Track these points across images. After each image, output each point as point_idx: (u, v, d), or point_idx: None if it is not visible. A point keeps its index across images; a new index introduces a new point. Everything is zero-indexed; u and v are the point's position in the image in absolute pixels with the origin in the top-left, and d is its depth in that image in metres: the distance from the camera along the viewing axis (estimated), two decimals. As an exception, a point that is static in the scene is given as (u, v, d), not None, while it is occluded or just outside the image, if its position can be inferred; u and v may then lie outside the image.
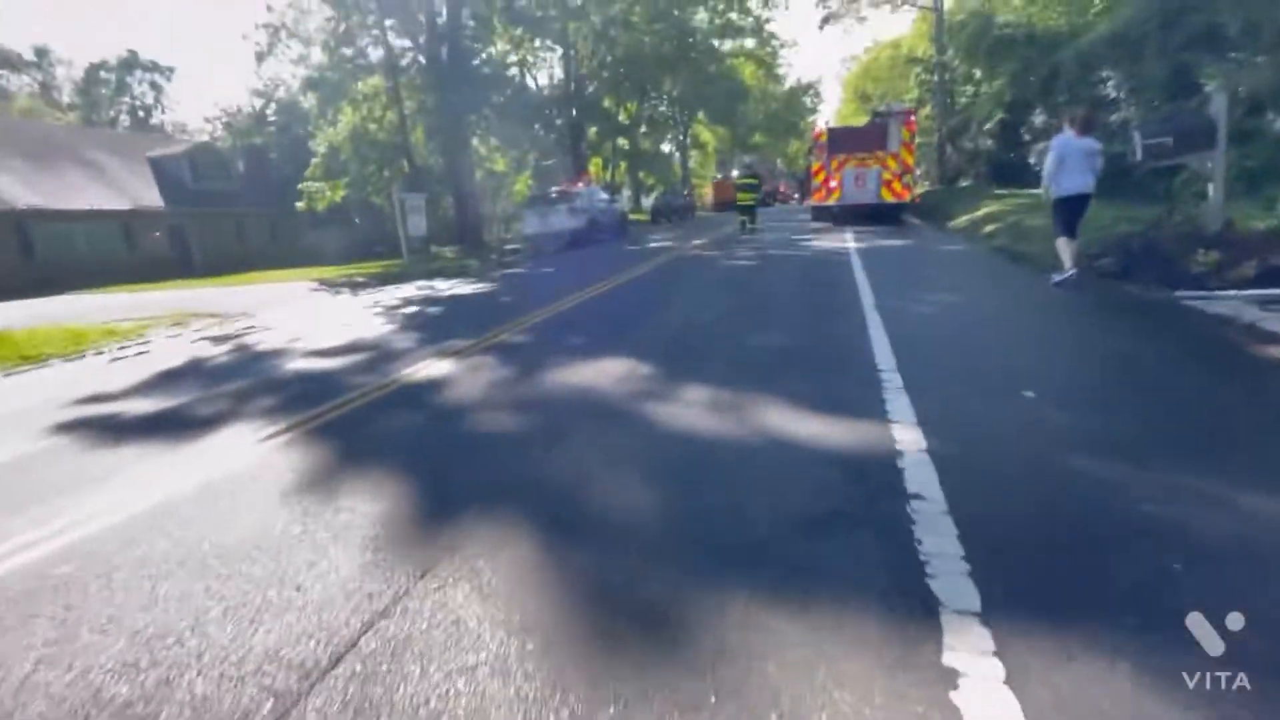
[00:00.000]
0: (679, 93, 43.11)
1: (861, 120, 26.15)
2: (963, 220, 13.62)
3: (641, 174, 46.96)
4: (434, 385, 4.49)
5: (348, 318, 8.85)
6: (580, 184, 20.75)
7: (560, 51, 31.96)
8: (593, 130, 36.64)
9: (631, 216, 40.38)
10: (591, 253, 16.03)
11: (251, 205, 29.40)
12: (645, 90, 37.95)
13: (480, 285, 11.48)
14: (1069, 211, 6.49)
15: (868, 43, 67.03)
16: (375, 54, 22.06)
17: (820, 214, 18.01)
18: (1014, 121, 15.98)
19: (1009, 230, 10.49)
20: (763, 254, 11.50)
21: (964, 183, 23.91)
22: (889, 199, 16.52)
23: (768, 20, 46.66)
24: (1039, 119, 13.87)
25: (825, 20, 46.55)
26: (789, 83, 65.64)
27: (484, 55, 21.24)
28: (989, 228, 11.64)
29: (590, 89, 36.29)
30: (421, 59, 21.85)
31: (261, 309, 11.10)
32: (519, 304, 8.50)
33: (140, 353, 7.75)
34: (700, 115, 47.66)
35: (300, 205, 23.28)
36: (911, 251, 10.39)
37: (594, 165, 38.40)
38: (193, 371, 6.02)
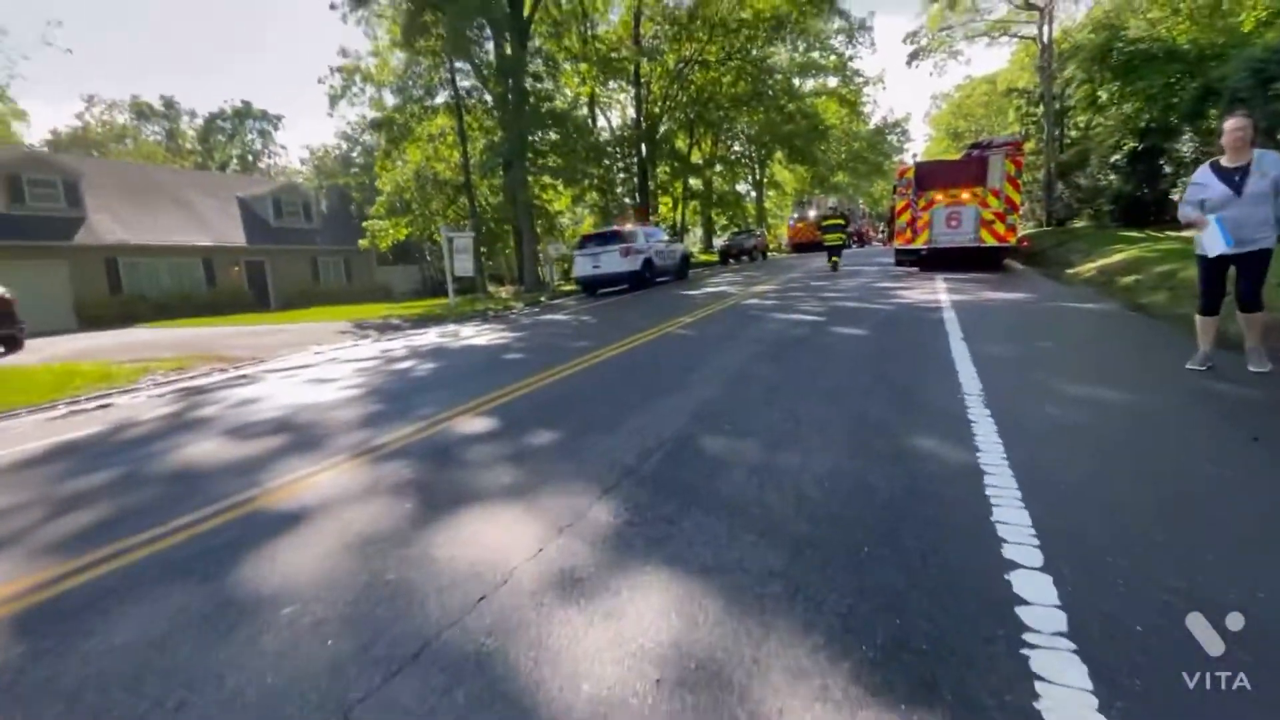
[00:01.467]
0: (755, 131, 41.93)
1: (954, 157, 23.71)
2: (1088, 268, 11.13)
3: (714, 214, 45.74)
4: (283, 521, 2.99)
5: (335, 371, 7.73)
6: (638, 223, 19.50)
7: (632, 91, 31.50)
8: (663, 169, 35.87)
9: (702, 258, 39.04)
10: (642, 298, 14.57)
11: (329, 243, 30.35)
12: (719, 129, 36.87)
13: (504, 334, 10.20)
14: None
15: (959, 79, 63.84)
16: (442, 96, 22.11)
17: (905, 258, 15.80)
18: (1148, 151, 13.32)
19: (1162, 285, 8.08)
20: (831, 307, 9.58)
21: (1078, 224, 20.88)
22: (989, 241, 14.14)
23: (850, 58, 45.06)
24: (1186, 146, 11.25)
25: (914, 56, 44.38)
26: (874, 120, 63.37)
27: (547, 93, 20.68)
28: (1129, 279, 9.20)
29: (663, 128, 35.68)
30: (488, 97, 21.64)
31: (275, 353, 10.32)
32: (521, 364, 7.04)
33: (101, 405, 6.93)
34: (777, 154, 46.20)
35: (363, 243, 23.44)
36: (1029, 310, 8.16)
37: (664, 205, 37.52)
38: (85, 449, 4.88)
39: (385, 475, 3.53)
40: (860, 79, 48.64)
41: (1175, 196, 11.62)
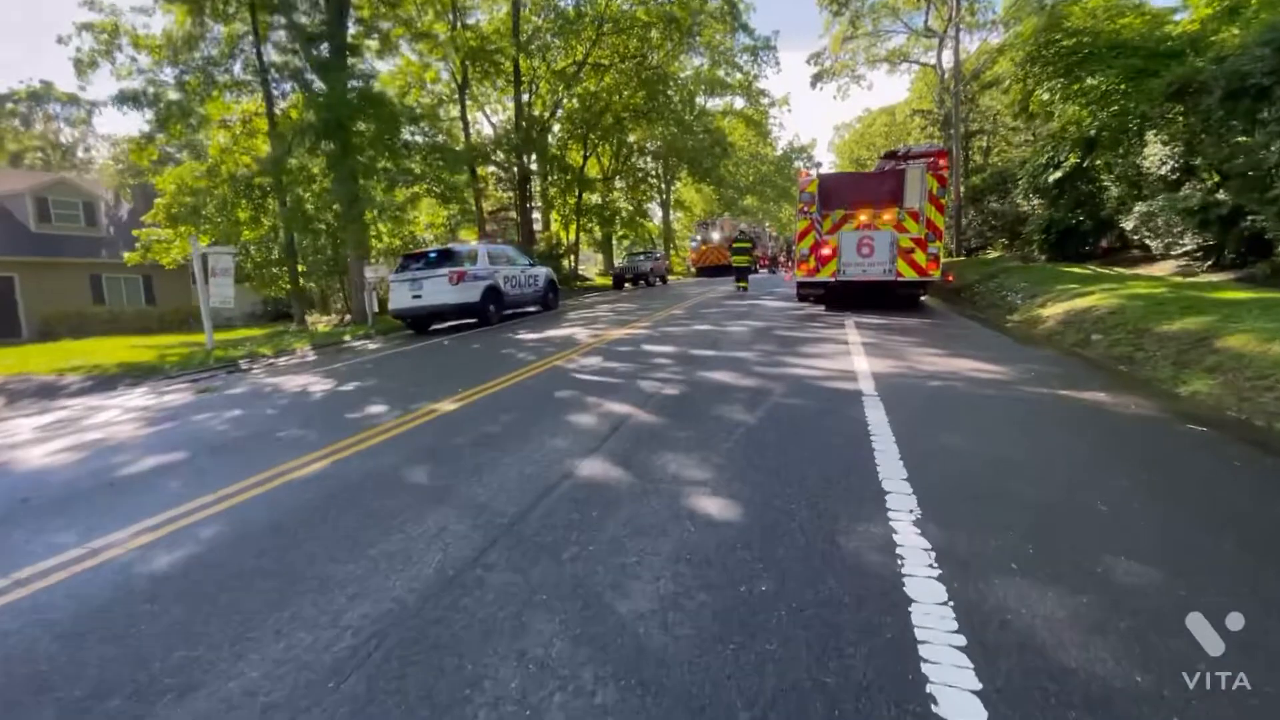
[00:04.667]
0: (658, 147, 39.19)
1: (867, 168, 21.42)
2: (1043, 317, 8.23)
3: (616, 233, 42.37)
4: None
5: None
6: (480, 242, 15.53)
7: (513, 92, 27.57)
8: (551, 183, 32.02)
9: (598, 281, 35.47)
10: (457, 345, 10.56)
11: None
12: (614, 140, 33.63)
13: (137, 428, 5.86)
14: None
15: (860, 110, 64.63)
16: (240, 67, 17.25)
17: (808, 292, 12.71)
18: (1085, 171, 10.98)
19: (1196, 360, 5.02)
20: (694, 381, 5.98)
21: (992, 254, 18.93)
22: (908, 275, 11.26)
23: (755, 77, 43.49)
24: (1153, 158, 8.71)
25: (818, 78, 43.46)
26: (781, 145, 62.94)
27: (366, 71, 16.30)
28: (1118, 340, 6.21)
29: (554, 135, 31.91)
30: (308, 74, 16.89)
31: None
32: (93, 509, 2.85)
33: None
34: (683, 173, 43.72)
35: (130, 257, 17.89)
36: (1005, 408, 4.74)
37: (555, 222, 33.67)
38: None
39: None
40: (766, 99, 47.44)
41: (1128, 224, 9.17)
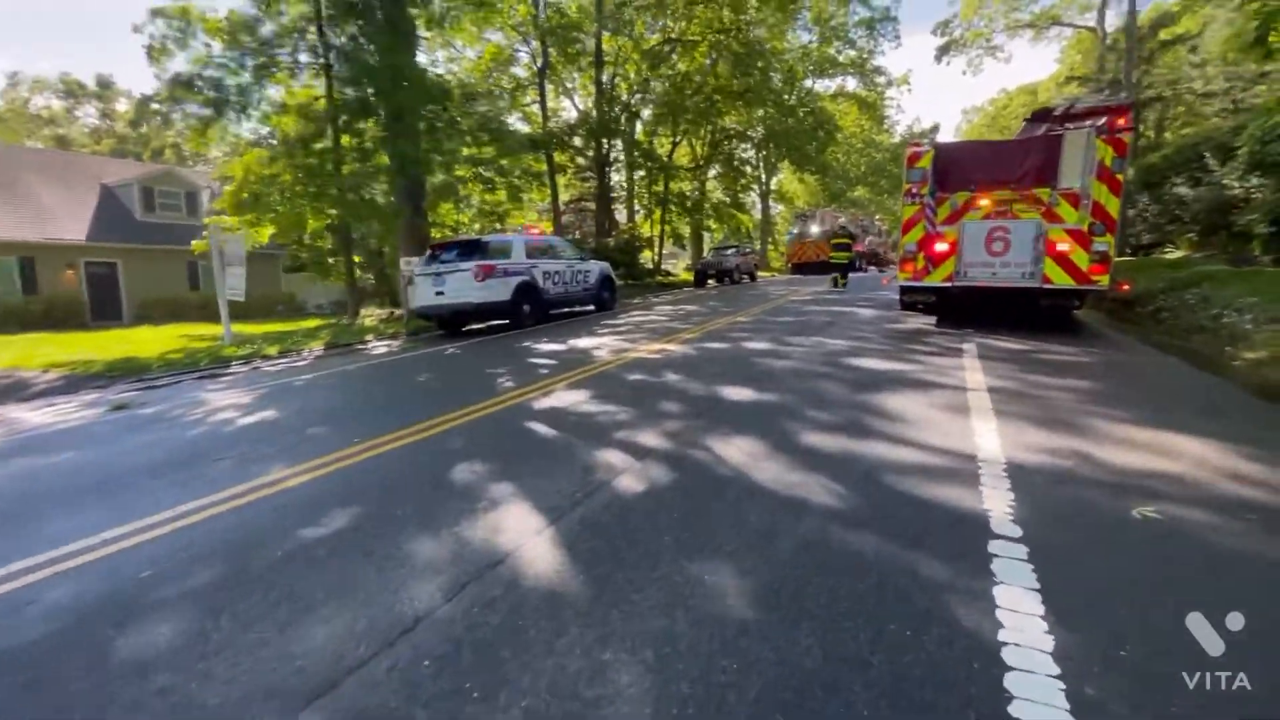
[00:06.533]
0: (758, 135, 35.98)
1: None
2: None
3: (708, 226, 39.64)
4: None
5: None
6: (524, 231, 13.80)
7: (593, 74, 25.80)
8: (638, 173, 30.02)
9: (683, 276, 33.12)
10: (453, 360, 8.80)
11: (223, 243, 25.07)
12: (703, 124, 30.96)
13: (24, 454, 4.45)
14: None
15: (993, 92, 57.30)
16: (304, 55, 16.65)
17: (914, 299, 9.77)
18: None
19: None
20: (683, 464, 3.69)
21: (1174, 253, 14.67)
22: (1060, 281, 8.10)
23: (871, 53, 39.08)
24: None
25: (944, 50, 38.36)
26: (899, 130, 57.01)
27: (430, 51, 15.04)
28: None
29: (641, 120, 29.89)
30: (360, 51, 15.91)
31: None
32: None
33: None
34: (785, 162, 40.05)
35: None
36: None
37: (638, 213, 31.72)
38: None
39: None
40: (882, 78, 42.53)
41: None
